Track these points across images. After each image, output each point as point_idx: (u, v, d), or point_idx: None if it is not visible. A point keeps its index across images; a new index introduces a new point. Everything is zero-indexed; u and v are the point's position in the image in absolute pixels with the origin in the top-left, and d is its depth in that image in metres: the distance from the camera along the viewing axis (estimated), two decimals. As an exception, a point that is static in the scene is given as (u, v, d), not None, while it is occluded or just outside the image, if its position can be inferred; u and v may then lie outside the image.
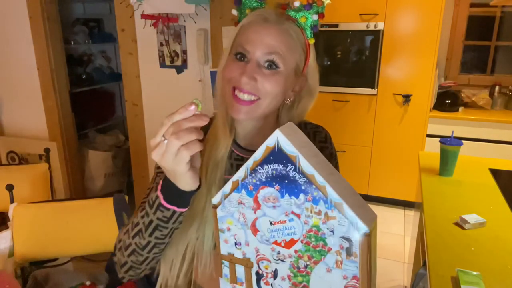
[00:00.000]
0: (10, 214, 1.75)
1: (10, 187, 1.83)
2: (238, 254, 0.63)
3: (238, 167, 0.59)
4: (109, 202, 1.74)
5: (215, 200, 0.63)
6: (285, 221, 0.57)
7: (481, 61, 3.44)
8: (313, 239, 0.56)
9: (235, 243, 0.63)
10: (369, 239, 0.51)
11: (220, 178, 0.75)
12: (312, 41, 0.75)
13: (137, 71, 2.47)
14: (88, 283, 1.66)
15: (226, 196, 0.61)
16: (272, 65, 0.70)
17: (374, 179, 3.30)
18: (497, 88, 3.20)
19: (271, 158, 0.55)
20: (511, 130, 2.87)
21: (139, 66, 2.46)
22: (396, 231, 2.96)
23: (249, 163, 0.57)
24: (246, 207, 0.60)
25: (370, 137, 3.21)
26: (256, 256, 0.62)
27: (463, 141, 1.63)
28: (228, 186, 0.61)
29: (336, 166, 0.82)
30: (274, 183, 0.56)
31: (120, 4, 2.33)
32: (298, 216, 0.56)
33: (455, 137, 1.62)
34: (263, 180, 0.57)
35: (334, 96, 3.17)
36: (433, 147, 2.85)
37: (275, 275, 0.61)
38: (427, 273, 1.07)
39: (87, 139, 3.45)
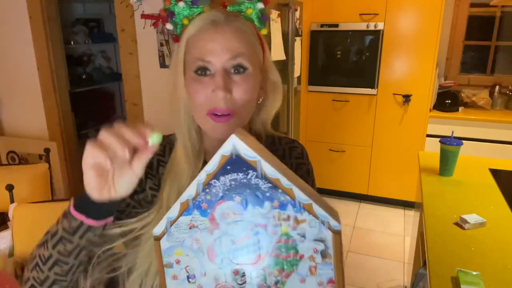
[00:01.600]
0: (10, 214, 1.75)
1: (10, 187, 1.83)
2: None
3: None
4: (109, 202, 1.74)
5: (158, 230, 0.53)
6: (250, 237, 0.51)
7: (481, 61, 3.44)
8: (283, 250, 0.50)
9: (188, 277, 0.54)
10: (340, 237, 0.48)
11: None
12: (264, 32, 0.68)
13: (137, 71, 2.47)
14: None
15: (172, 223, 0.52)
16: (240, 68, 0.62)
17: (374, 179, 3.30)
18: (497, 88, 3.20)
19: (228, 167, 0.48)
20: (511, 130, 2.87)
21: (139, 66, 2.46)
22: (396, 231, 2.96)
23: (201, 177, 0.50)
24: (201, 230, 0.51)
25: (370, 137, 3.21)
26: (216, 287, 0.54)
27: (463, 141, 1.63)
28: (174, 210, 0.52)
29: (313, 183, 0.76)
30: (233, 195, 0.49)
31: (120, 4, 2.33)
32: (265, 227, 0.50)
33: (455, 137, 1.62)
34: (220, 194, 0.50)
35: (334, 96, 3.17)
36: (433, 147, 2.85)
37: None
38: (427, 273, 1.07)
39: (87, 139, 3.45)
